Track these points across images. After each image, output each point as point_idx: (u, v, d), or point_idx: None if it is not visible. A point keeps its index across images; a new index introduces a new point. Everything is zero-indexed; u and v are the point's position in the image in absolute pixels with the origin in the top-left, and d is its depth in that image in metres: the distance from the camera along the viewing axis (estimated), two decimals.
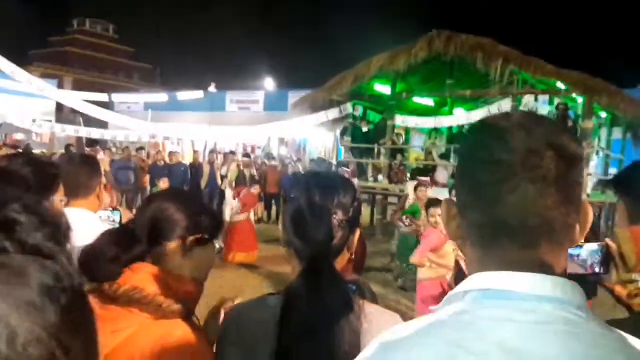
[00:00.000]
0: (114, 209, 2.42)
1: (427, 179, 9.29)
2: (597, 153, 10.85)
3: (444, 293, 4.50)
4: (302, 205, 1.12)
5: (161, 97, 23.29)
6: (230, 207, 12.19)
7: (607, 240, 1.19)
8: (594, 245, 1.22)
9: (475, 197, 0.72)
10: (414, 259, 4.78)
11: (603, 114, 11.78)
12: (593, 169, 11.17)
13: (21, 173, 1.66)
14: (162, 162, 12.39)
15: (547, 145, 0.69)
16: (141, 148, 13.14)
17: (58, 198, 1.79)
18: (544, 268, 0.69)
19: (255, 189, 8.85)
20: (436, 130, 12.62)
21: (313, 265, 1.08)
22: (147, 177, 12.03)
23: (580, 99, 10.13)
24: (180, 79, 43.49)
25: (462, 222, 0.76)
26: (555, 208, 0.69)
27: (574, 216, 0.71)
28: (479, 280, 0.71)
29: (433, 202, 4.85)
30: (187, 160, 13.71)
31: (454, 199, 0.79)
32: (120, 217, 2.35)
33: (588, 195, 9.44)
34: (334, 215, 1.12)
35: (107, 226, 2.10)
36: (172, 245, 1.29)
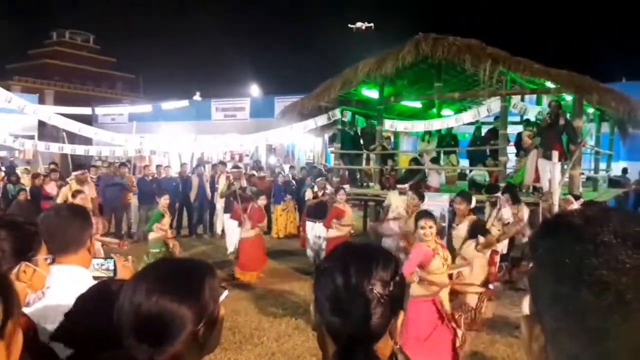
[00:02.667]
0: (108, 257, 2.25)
1: (406, 186, 9.06)
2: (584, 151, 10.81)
3: (437, 312, 4.39)
4: (336, 279, 0.99)
5: (146, 107, 23.02)
6: (222, 220, 12.04)
7: None
8: None
9: (571, 324, 0.58)
10: (405, 273, 4.65)
11: (591, 110, 11.79)
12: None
13: None
14: (150, 177, 12.15)
15: None
16: (123, 164, 12.85)
17: (42, 257, 1.62)
18: None
19: (262, 201, 8.64)
20: (429, 133, 12.52)
21: (349, 346, 0.94)
22: (130, 194, 11.80)
23: (569, 98, 10.08)
24: (163, 88, 43.10)
25: (550, 350, 0.62)
26: None
27: None
28: None
29: (422, 214, 4.71)
30: (174, 173, 13.47)
31: (535, 313, 0.64)
32: (115, 265, 2.19)
33: (581, 194, 9.39)
34: (372, 289, 0.98)
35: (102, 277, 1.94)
36: (182, 345, 1.09)
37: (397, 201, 8.72)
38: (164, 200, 7.88)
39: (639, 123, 11.51)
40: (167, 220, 8.00)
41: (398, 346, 1.06)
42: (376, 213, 12.19)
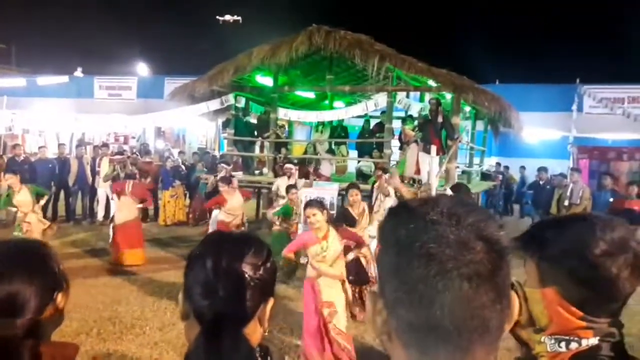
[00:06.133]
0: None
1: (291, 166, 9.44)
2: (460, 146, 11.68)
3: (312, 294, 4.63)
4: (207, 262, 0.98)
5: (18, 81, 20.93)
6: (103, 205, 11.42)
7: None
8: None
9: (405, 294, 0.66)
10: (284, 252, 5.01)
11: (467, 108, 12.76)
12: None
13: None
14: (22, 157, 11.14)
15: (477, 237, 0.65)
16: None
17: None
18: None
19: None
20: (323, 124, 12.78)
21: (215, 326, 0.93)
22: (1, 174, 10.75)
23: (449, 96, 10.84)
24: (41, 61, 39.16)
25: (390, 320, 0.69)
26: (490, 306, 0.65)
27: (506, 312, 0.68)
28: None
29: (307, 204, 4.91)
30: (51, 154, 12.46)
31: (378, 289, 0.72)
32: None
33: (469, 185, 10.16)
34: (243, 271, 0.99)
35: None
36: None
37: (283, 186, 8.89)
38: (8, 180, 7.18)
39: (509, 122, 12.67)
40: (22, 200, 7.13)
41: (267, 333, 1.08)
42: (269, 201, 12.26)
